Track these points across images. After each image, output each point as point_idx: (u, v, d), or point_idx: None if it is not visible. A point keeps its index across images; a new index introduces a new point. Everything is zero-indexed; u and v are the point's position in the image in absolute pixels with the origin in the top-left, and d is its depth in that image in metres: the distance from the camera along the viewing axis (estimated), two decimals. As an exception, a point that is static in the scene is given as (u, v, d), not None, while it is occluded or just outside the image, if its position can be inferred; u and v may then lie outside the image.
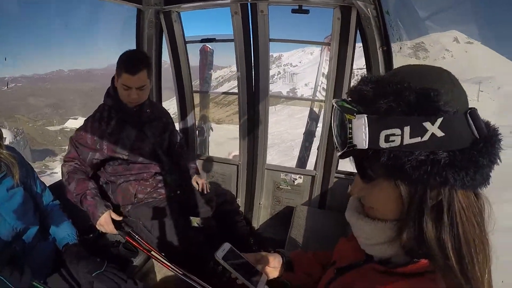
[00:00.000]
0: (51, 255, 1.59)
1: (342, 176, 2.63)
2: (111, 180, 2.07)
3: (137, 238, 1.95)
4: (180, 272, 1.83)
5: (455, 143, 0.54)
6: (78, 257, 1.55)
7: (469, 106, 0.58)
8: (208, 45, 3.24)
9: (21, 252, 1.45)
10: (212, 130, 3.22)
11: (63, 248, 1.60)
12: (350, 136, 0.59)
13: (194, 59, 3.03)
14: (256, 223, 3.00)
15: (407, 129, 0.54)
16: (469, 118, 0.55)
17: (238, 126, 2.77)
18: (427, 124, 0.53)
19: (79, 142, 1.91)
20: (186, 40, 2.71)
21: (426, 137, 0.54)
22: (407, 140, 0.54)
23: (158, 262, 1.93)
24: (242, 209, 2.82)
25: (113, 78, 1.95)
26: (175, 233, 2.00)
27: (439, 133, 0.53)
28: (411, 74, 0.59)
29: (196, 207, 2.24)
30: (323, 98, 2.58)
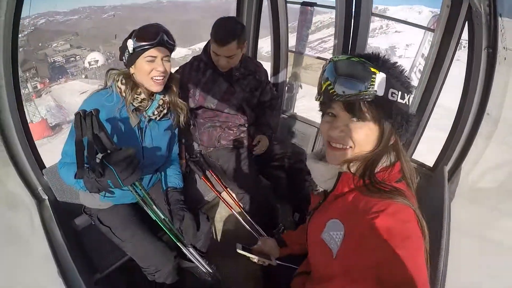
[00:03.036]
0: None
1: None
2: (199, 122, 2.21)
3: (214, 177, 2.18)
4: (241, 219, 2.10)
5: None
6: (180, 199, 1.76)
7: None
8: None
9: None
10: (301, 87, 3.17)
11: (168, 190, 1.78)
12: (373, 83, 0.82)
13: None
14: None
15: (399, 93, 0.85)
16: None
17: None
18: (408, 96, 0.87)
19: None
20: (287, 0, 2.63)
21: (405, 102, 0.87)
22: (399, 99, 0.85)
23: (225, 204, 2.17)
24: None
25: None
26: (247, 178, 2.15)
27: (407, 102, 0.88)
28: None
29: (270, 160, 2.34)
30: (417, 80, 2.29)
